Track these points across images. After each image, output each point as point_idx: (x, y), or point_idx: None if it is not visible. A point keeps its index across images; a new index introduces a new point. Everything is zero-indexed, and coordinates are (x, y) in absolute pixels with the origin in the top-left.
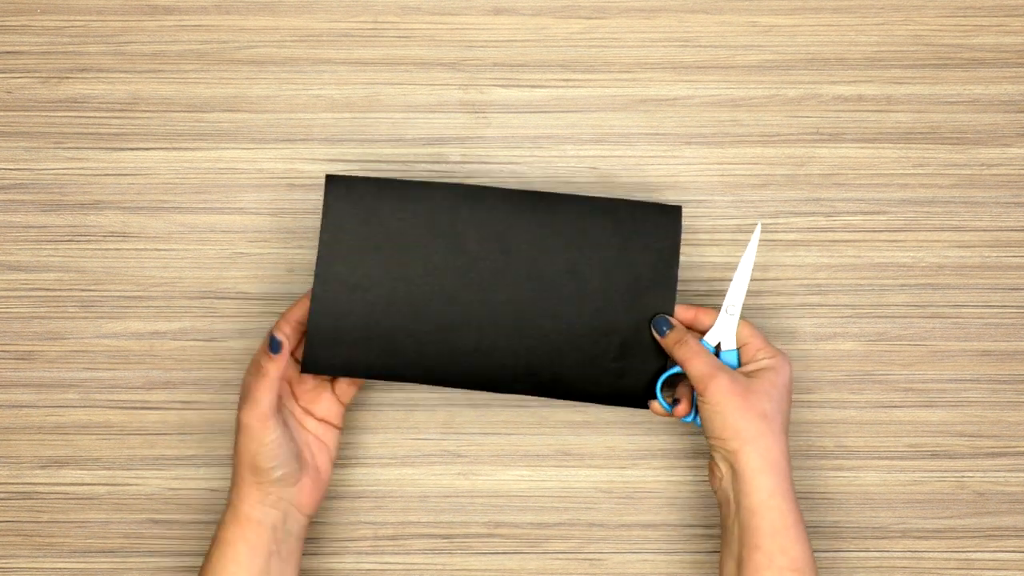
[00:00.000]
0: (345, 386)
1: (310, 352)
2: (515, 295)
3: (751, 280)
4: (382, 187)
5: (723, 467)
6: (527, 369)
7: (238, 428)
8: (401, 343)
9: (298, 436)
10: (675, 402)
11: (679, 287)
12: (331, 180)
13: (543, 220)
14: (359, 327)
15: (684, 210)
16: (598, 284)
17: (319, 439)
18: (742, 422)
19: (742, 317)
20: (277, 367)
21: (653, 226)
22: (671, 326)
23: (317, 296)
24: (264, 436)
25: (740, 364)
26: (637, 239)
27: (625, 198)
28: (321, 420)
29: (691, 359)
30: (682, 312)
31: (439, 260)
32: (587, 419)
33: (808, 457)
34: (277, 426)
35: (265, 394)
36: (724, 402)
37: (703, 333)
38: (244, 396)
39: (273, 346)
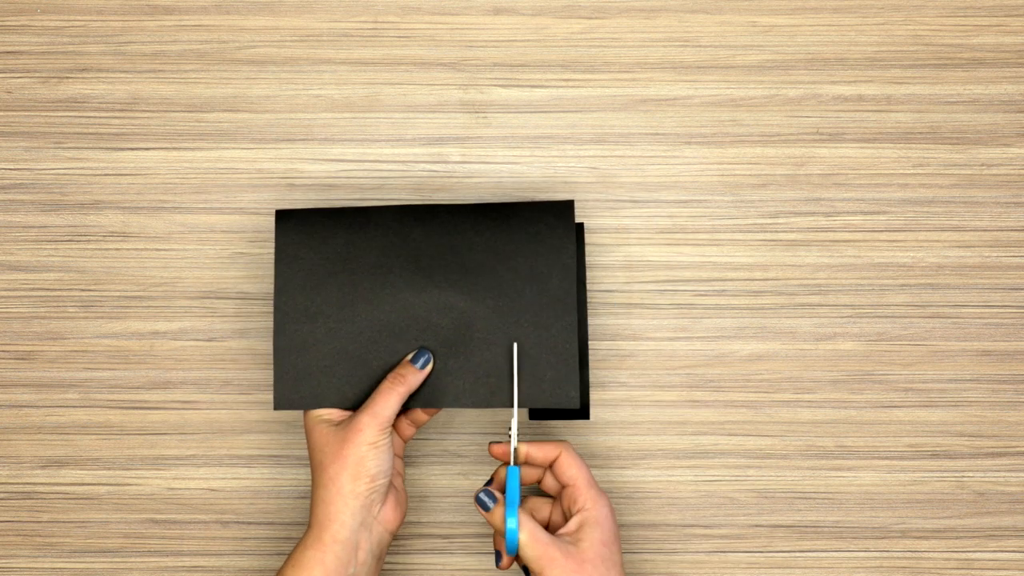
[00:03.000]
0: (405, 425)
1: (280, 388)
2: (474, 306)
3: (752, 280)
4: (332, 216)
5: None
6: (493, 383)
7: (349, 434)
8: (368, 366)
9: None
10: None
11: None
12: (280, 215)
13: (497, 226)
14: (325, 356)
15: (685, 211)
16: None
17: (397, 462)
18: None
19: (568, 448)
20: (418, 380)
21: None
22: (495, 499)
23: (279, 329)
24: (380, 440)
25: (552, 495)
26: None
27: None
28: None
29: (522, 539)
30: (520, 450)
31: (396, 279)
32: (588, 420)
33: (808, 457)
34: (389, 436)
35: (394, 404)
36: None
37: (540, 465)
38: (369, 403)
39: (422, 359)
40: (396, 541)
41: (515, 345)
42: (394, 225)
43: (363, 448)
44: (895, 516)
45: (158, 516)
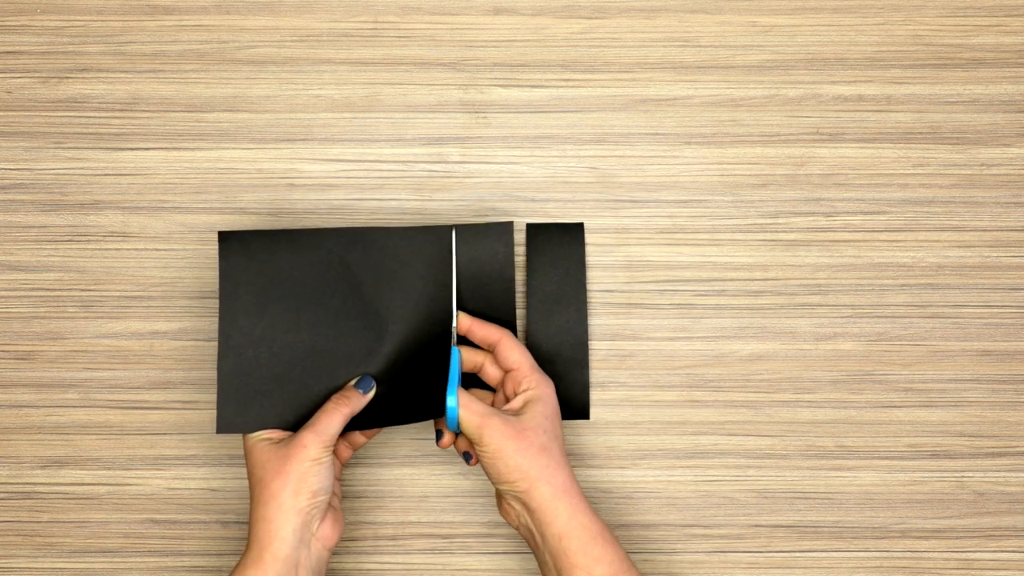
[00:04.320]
0: (343, 447)
1: (223, 411)
2: (415, 330)
3: (752, 280)
4: (275, 238)
5: (516, 505)
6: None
7: (292, 450)
8: (311, 391)
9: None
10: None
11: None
12: (223, 237)
13: (437, 252)
14: (268, 380)
15: (685, 211)
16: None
17: (335, 484)
18: (525, 461)
19: (510, 334)
20: (361, 404)
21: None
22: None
23: (223, 353)
24: (323, 456)
25: (491, 386)
26: (542, 257)
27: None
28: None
29: (461, 412)
30: (463, 321)
31: (339, 305)
32: (587, 420)
33: (808, 457)
34: (331, 453)
35: (337, 423)
36: (502, 446)
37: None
38: (313, 422)
39: (366, 384)
40: (396, 541)
41: (453, 229)
42: (335, 249)
43: (306, 464)
44: (895, 516)
45: (158, 516)
